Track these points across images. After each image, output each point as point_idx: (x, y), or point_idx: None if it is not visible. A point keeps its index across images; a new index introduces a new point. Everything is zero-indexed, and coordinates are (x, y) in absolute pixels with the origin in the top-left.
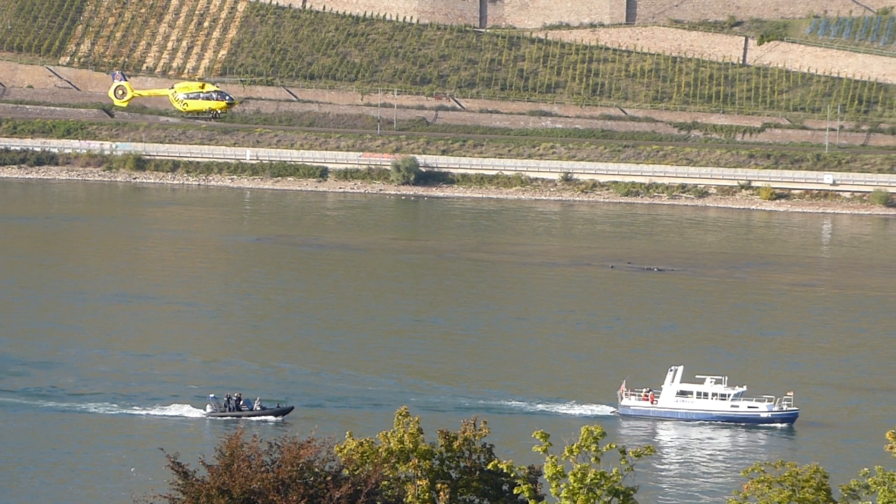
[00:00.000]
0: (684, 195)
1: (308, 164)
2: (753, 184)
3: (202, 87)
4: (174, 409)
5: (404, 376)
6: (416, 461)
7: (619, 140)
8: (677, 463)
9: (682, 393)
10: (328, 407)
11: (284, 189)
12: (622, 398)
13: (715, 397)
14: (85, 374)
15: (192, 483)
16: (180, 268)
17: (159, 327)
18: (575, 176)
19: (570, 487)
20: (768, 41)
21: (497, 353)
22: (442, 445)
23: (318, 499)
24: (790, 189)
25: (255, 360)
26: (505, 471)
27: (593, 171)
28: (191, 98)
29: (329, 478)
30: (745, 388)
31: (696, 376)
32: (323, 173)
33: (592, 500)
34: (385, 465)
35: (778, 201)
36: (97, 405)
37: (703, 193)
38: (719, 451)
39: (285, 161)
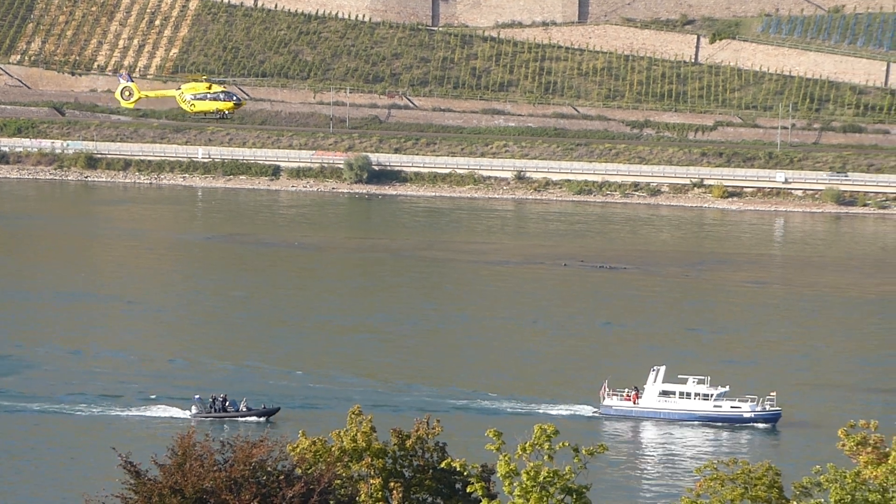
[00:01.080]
0: (637, 193)
1: (260, 162)
2: (706, 182)
3: (209, 88)
4: (158, 411)
5: (383, 377)
6: (369, 460)
7: (571, 138)
8: (656, 463)
9: (665, 393)
10: (311, 408)
11: (237, 187)
12: (604, 398)
13: (697, 397)
14: (54, 375)
15: (144, 482)
16: (132, 266)
17: (115, 326)
18: (528, 174)
19: (524, 486)
20: (720, 39)
21: (467, 352)
22: (395, 444)
23: (271, 498)
24: (742, 187)
25: (225, 360)
26: (458, 469)
27: (546, 170)
28: (198, 99)
29: (282, 477)
30: (727, 388)
31: (679, 376)
32: (275, 172)
33: (545, 499)
34: (338, 463)
35: (730, 199)
36: (74, 407)
37: (655, 192)
38: (700, 451)
39: (237, 159)
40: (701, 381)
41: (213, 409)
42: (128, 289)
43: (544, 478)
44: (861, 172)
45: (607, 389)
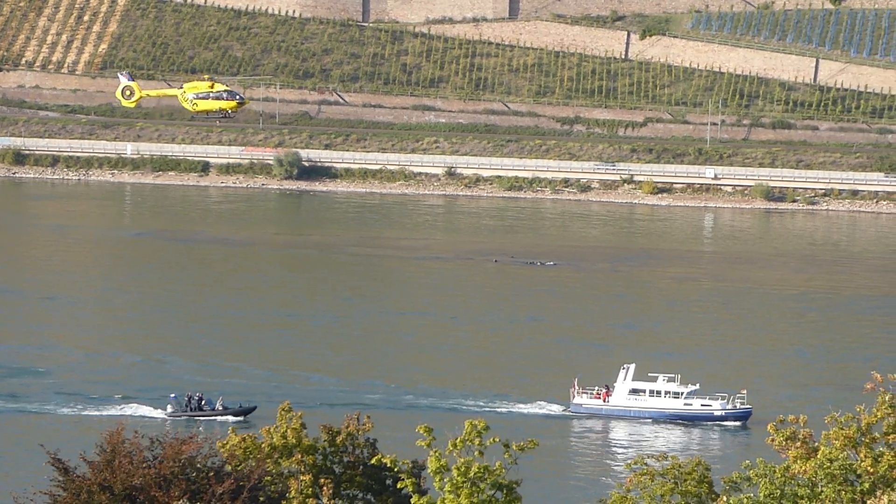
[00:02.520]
0: (567, 189)
1: (189, 158)
2: (636, 178)
3: (212, 87)
4: (134, 410)
5: (342, 374)
6: (299, 456)
7: (502, 135)
8: (623, 460)
9: (635, 391)
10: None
11: (166, 184)
12: (574, 396)
13: (668, 395)
14: (22, 373)
15: (72, 479)
16: (61, 262)
17: (46, 322)
18: (458, 170)
19: (454, 481)
20: (650, 36)
21: (424, 350)
22: (325, 440)
23: (201, 494)
24: (672, 183)
25: (188, 357)
26: (389, 465)
27: (477, 166)
28: (200, 98)
29: (211, 473)
30: (697, 385)
31: (649, 374)
32: (205, 168)
33: (476, 494)
34: (268, 460)
35: (660, 195)
36: (47, 404)
37: (585, 188)
38: (670, 449)
39: (166, 156)
40: (671, 379)
41: (188, 408)
42: (56, 285)
43: (475, 473)
44: (790, 168)
45: (577, 387)
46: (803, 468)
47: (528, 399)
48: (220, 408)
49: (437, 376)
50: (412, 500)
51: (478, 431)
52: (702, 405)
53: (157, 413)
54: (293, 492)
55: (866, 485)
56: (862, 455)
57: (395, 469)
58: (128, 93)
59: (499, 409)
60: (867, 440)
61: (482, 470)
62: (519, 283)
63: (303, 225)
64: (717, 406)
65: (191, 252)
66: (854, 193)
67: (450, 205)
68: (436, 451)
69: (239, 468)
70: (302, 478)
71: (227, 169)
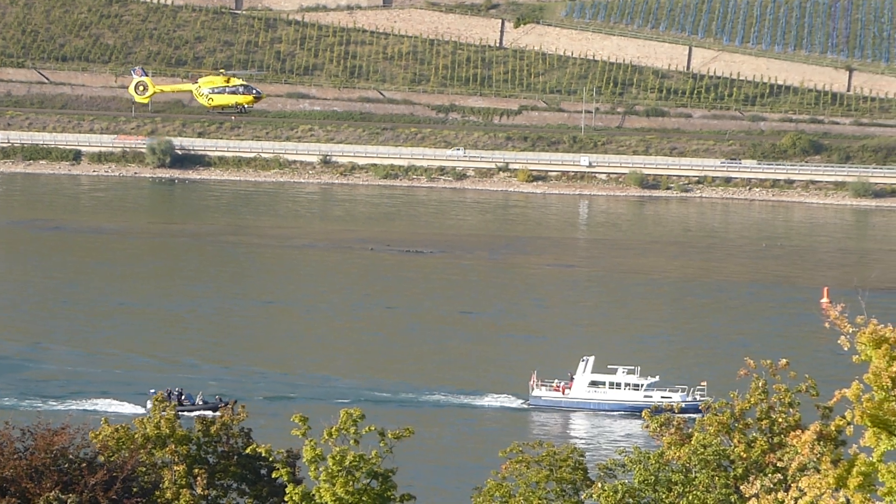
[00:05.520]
0: (443, 177)
1: (61, 147)
2: (511, 166)
3: (227, 82)
4: (114, 406)
5: (306, 369)
6: (173, 447)
7: (377, 123)
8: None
9: (594, 383)
10: (257, 400)
11: (37, 173)
12: (533, 389)
13: (628, 387)
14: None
15: None
16: None
17: None
18: (334, 159)
19: (329, 470)
20: (525, 24)
21: (363, 341)
22: (199, 430)
23: (73, 485)
24: (547, 171)
25: (68, 347)
26: (263, 455)
27: (352, 154)
28: (216, 93)
29: (84, 464)
30: (657, 377)
31: (608, 366)
32: (76, 156)
33: (351, 483)
34: (141, 450)
35: (535, 183)
36: (20, 400)
37: (461, 176)
38: (630, 440)
39: (37, 144)
40: (631, 372)
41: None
42: None
43: (350, 462)
44: (664, 156)
45: (536, 380)
46: (677, 454)
47: (485, 392)
48: (201, 403)
49: (404, 371)
50: (287, 490)
51: (353, 420)
52: (661, 397)
53: (138, 409)
54: (167, 482)
55: (739, 470)
56: (735, 441)
57: (270, 458)
58: (141, 88)
59: (458, 403)
60: (740, 426)
61: (357, 459)
62: (399, 272)
63: (176, 213)
64: (676, 398)
65: (64, 241)
66: (727, 181)
67: (325, 193)
68: (311, 441)
69: (112, 459)
70: (175, 468)
71: (100, 157)
